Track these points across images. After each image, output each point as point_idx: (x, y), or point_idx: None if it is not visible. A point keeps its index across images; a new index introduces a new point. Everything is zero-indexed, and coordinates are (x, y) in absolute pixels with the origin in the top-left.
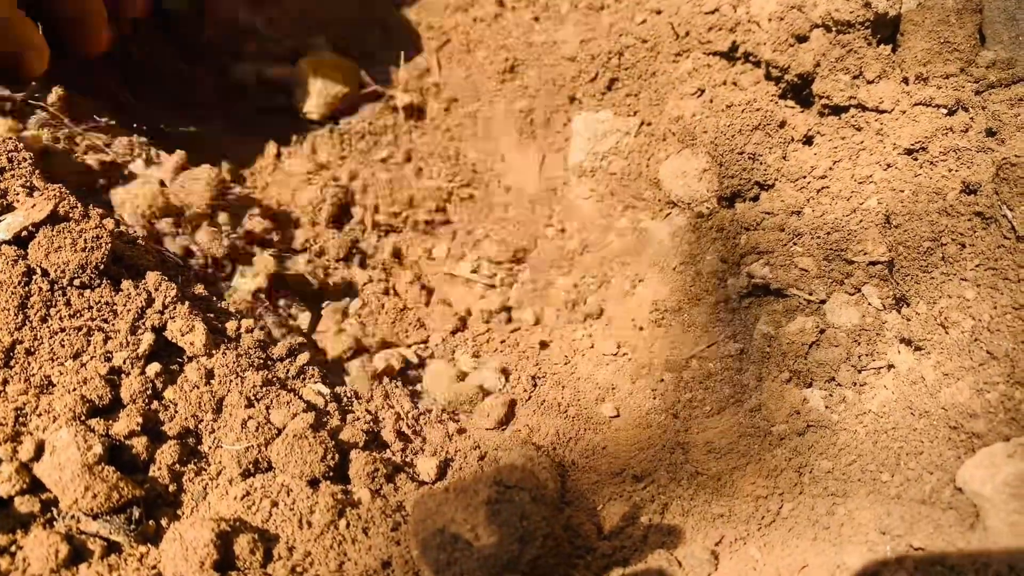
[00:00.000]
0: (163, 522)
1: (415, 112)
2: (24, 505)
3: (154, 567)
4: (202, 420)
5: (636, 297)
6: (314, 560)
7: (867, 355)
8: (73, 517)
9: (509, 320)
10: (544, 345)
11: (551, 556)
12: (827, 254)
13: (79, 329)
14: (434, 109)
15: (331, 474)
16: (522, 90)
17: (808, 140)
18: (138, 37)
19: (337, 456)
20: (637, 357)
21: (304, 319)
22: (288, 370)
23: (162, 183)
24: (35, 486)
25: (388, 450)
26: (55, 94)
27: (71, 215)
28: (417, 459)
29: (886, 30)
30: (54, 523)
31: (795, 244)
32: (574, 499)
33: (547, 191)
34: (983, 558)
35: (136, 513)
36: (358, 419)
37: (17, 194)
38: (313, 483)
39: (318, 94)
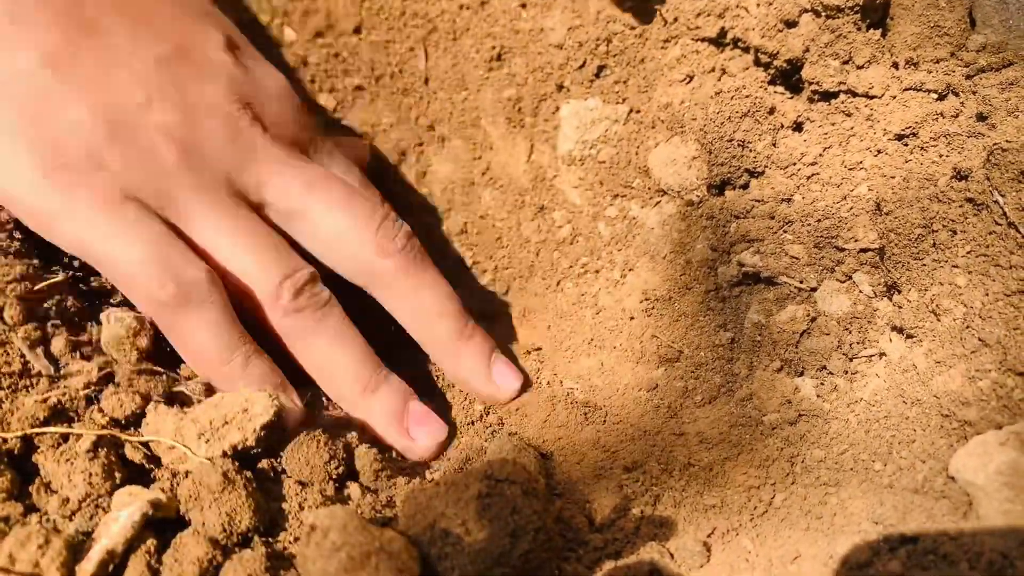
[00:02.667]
0: None
1: None
2: None
3: None
4: None
5: (626, 286)
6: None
7: (858, 343)
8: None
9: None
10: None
11: (543, 550)
12: (817, 241)
13: None
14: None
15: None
16: (509, 78)
17: (798, 126)
18: None
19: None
20: (627, 347)
21: None
22: None
23: None
24: None
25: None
26: None
27: None
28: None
29: (875, 14)
30: None
31: (785, 232)
32: (565, 491)
33: (536, 180)
34: (976, 547)
35: None
36: None
37: None
38: (303, 482)
39: None
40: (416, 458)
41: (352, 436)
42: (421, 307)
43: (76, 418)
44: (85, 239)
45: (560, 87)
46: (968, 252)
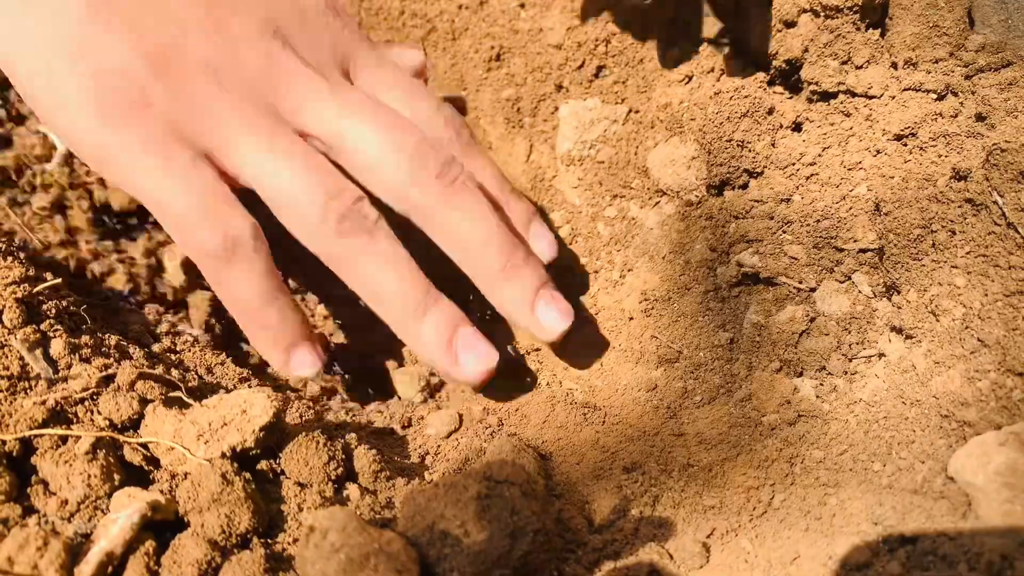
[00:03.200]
0: None
1: None
2: None
3: None
4: None
5: (625, 287)
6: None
7: (858, 343)
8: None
9: None
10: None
11: (542, 551)
12: (817, 242)
13: None
14: None
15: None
16: (508, 78)
17: (797, 127)
18: None
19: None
20: (626, 347)
21: None
22: None
23: None
24: None
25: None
26: None
27: None
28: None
29: (874, 14)
30: None
31: (784, 232)
32: (564, 492)
33: (535, 180)
34: (975, 548)
35: None
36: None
37: None
38: (302, 483)
39: None
40: (463, 382)
41: (351, 437)
42: (462, 237)
43: (75, 420)
44: (138, 182)
45: (559, 87)
46: (967, 252)
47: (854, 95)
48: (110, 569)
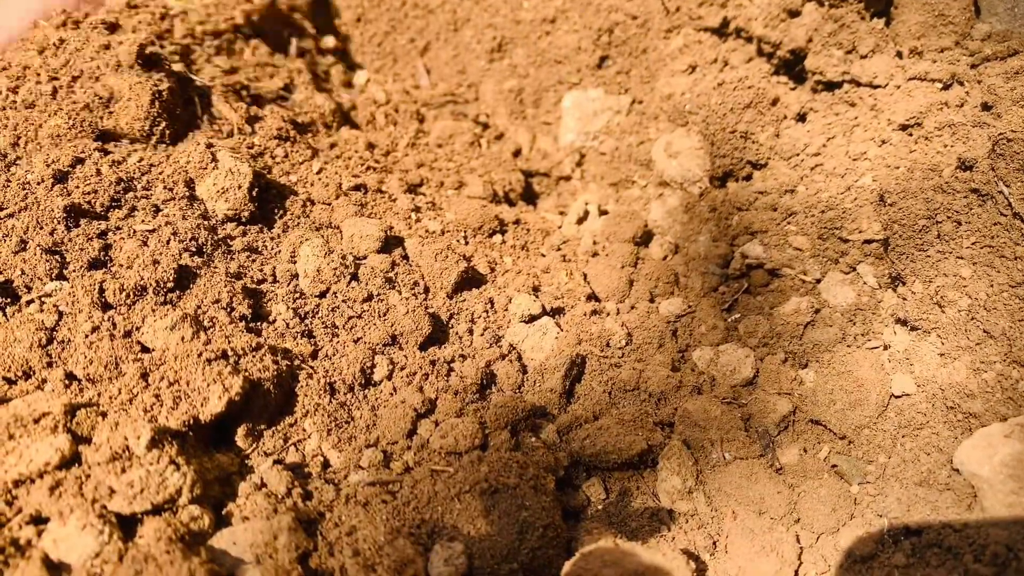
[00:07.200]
0: None
1: None
2: None
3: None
4: None
5: None
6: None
7: (862, 335)
8: None
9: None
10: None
11: (551, 547)
12: (821, 232)
13: None
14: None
15: None
16: (511, 69)
17: (801, 117)
18: None
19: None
20: (632, 338)
21: None
22: None
23: None
24: None
25: None
26: None
27: None
28: None
29: (879, 3)
30: None
31: (789, 223)
32: (572, 484)
33: (537, 172)
34: (981, 539)
35: None
36: None
37: None
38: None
39: None
40: None
41: None
42: None
43: None
44: None
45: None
46: (973, 243)
47: (859, 85)
48: None
